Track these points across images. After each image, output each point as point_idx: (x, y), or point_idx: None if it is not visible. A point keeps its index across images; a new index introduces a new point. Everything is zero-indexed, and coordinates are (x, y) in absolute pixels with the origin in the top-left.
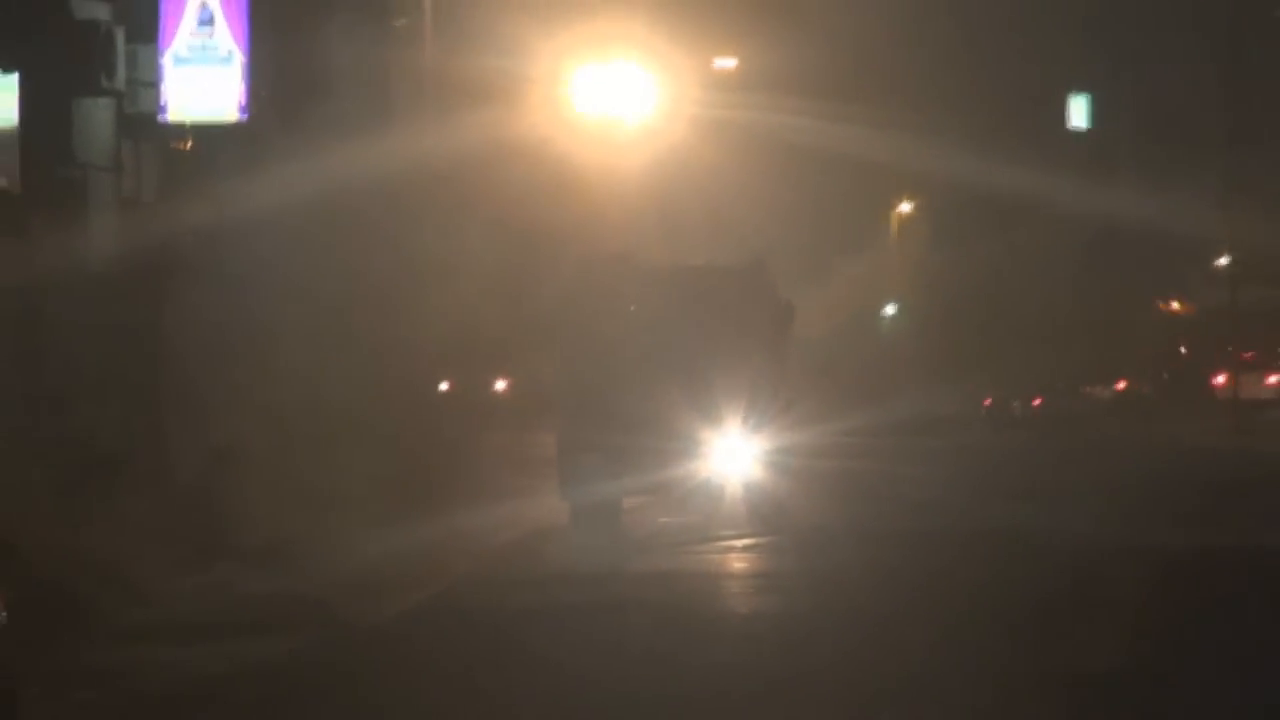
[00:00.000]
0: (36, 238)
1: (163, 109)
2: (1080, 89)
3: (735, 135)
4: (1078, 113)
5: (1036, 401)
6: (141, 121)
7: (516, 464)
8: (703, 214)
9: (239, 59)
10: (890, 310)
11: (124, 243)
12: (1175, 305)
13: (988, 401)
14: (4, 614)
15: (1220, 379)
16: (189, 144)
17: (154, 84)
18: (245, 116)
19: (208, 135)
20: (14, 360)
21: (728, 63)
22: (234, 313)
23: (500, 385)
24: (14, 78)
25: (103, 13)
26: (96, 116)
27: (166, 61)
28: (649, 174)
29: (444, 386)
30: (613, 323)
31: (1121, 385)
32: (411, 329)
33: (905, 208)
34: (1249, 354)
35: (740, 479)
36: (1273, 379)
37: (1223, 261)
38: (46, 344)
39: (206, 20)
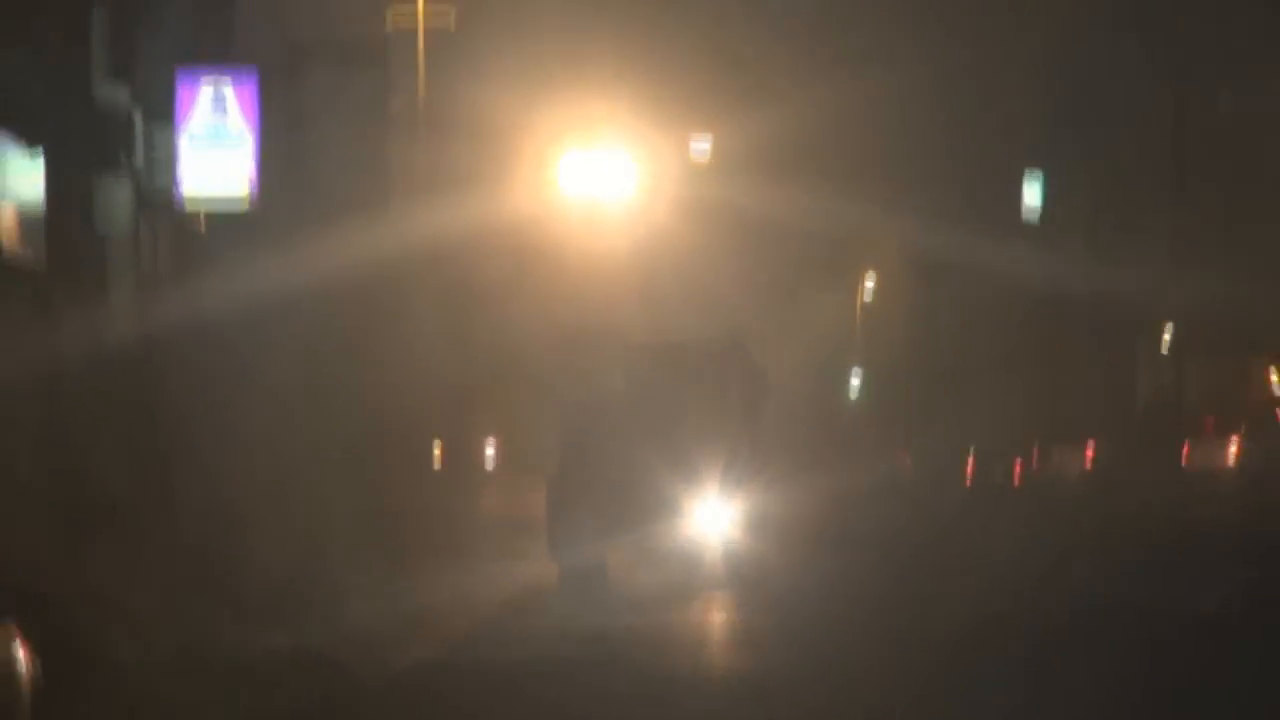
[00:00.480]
0: (58, 309)
1: (178, 187)
2: (1036, 167)
3: (713, 213)
4: (1032, 190)
5: (1016, 466)
6: (158, 199)
7: (506, 524)
8: (681, 288)
9: (250, 141)
10: (857, 376)
11: (140, 313)
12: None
13: (970, 466)
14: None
15: (1185, 447)
16: (202, 221)
17: (170, 163)
18: (255, 195)
19: (220, 212)
20: (35, 426)
21: (704, 145)
22: (241, 376)
23: (490, 450)
24: (39, 155)
25: (122, 94)
26: (116, 193)
27: (182, 142)
28: (630, 251)
29: (436, 451)
30: (600, 393)
31: (1090, 451)
32: (405, 393)
33: (872, 278)
34: (1209, 419)
35: (719, 538)
36: (1232, 446)
37: (1168, 333)
38: (66, 410)
39: (220, 103)
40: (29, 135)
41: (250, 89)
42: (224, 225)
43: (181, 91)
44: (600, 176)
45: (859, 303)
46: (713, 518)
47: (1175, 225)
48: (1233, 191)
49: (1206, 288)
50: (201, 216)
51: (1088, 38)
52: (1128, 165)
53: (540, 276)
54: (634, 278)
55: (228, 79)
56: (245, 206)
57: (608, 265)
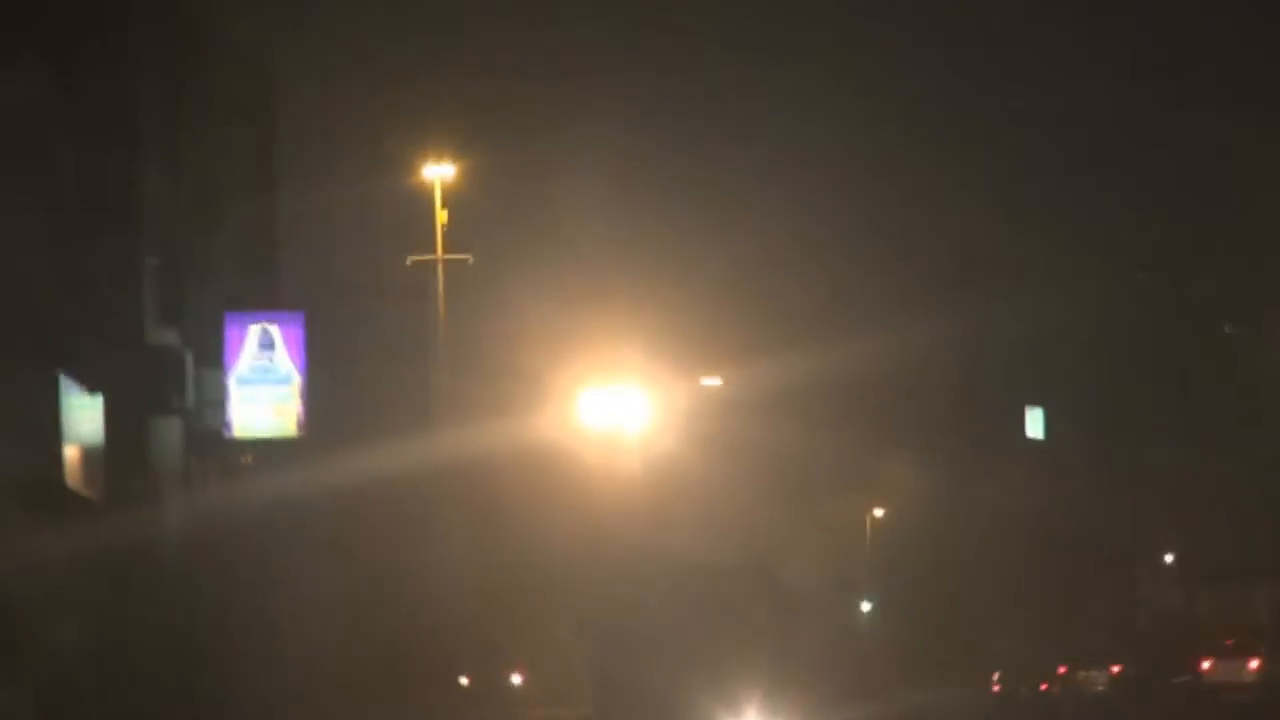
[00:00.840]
0: (116, 540)
1: (228, 426)
2: (1036, 402)
3: (731, 444)
4: (1034, 424)
5: (1043, 686)
6: (208, 437)
7: None
8: (696, 513)
9: (297, 380)
10: (869, 602)
11: (191, 541)
12: None
13: (996, 687)
14: None
15: (1206, 664)
16: (250, 458)
17: (220, 403)
18: (304, 432)
19: (268, 449)
20: (93, 646)
21: (714, 381)
22: (281, 597)
23: (516, 678)
24: (98, 398)
25: (173, 339)
26: (168, 431)
27: (231, 383)
28: (650, 480)
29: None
30: (631, 619)
31: (1116, 670)
32: (434, 616)
33: (879, 511)
34: (1229, 640)
35: None
36: (1253, 664)
37: (1169, 559)
38: (123, 629)
39: (267, 344)
40: (87, 379)
41: (296, 332)
42: (270, 454)
43: (230, 335)
44: (618, 409)
45: (869, 529)
46: None
47: (1180, 451)
48: (1236, 418)
49: (1211, 512)
50: (251, 448)
51: (1093, 279)
52: (1133, 394)
53: (564, 503)
54: (653, 506)
55: (275, 323)
56: (294, 435)
57: (629, 493)
